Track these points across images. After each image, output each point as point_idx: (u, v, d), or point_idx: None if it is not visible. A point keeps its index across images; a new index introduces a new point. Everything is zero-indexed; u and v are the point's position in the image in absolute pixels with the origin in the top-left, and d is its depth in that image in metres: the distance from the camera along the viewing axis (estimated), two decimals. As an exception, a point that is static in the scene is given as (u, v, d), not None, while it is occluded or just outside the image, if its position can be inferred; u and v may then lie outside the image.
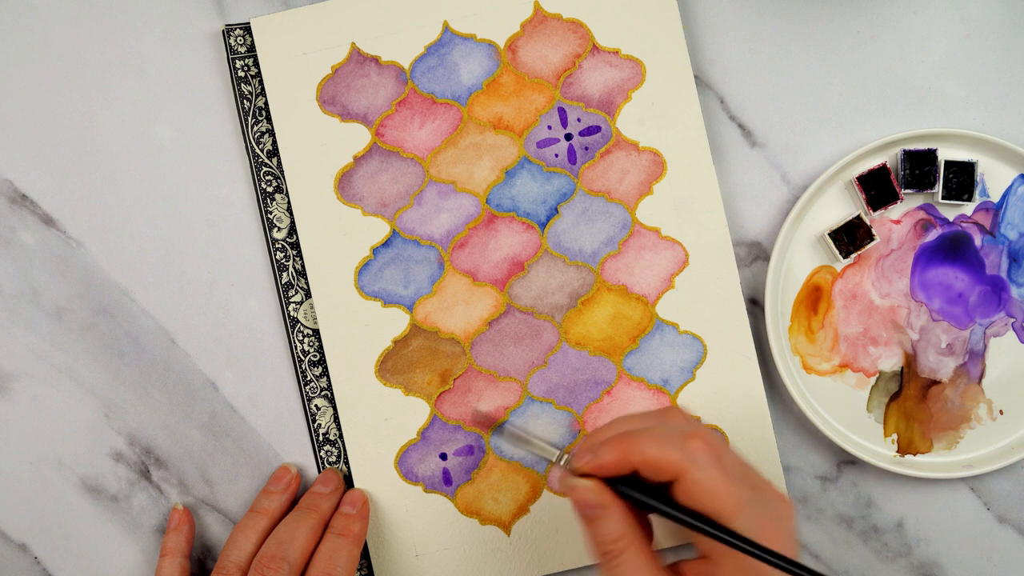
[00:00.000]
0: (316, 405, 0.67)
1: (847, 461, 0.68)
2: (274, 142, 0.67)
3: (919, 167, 0.66)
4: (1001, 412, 0.67)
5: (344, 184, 0.67)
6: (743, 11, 0.68)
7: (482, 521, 0.67)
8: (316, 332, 0.67)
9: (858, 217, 0.66)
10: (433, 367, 0.67)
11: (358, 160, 0.67)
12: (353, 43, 0.67)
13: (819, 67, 0.68)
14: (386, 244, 0.67)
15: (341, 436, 0.67)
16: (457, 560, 0.67)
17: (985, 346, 0.67)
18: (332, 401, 0.67)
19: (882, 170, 0.66)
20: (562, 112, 0.67)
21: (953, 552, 0.68)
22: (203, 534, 0.68)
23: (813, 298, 0.67)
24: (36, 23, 0.68)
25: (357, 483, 0.67)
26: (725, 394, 0.67)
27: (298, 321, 0.67)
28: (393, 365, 0.67)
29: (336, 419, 0.67)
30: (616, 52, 0.67)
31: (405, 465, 0.67)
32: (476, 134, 0.67)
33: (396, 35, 0.67)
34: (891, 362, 0.67)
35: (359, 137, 0.67)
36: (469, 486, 0.67)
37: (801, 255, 0.67)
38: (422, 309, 0.67)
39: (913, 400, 0.67)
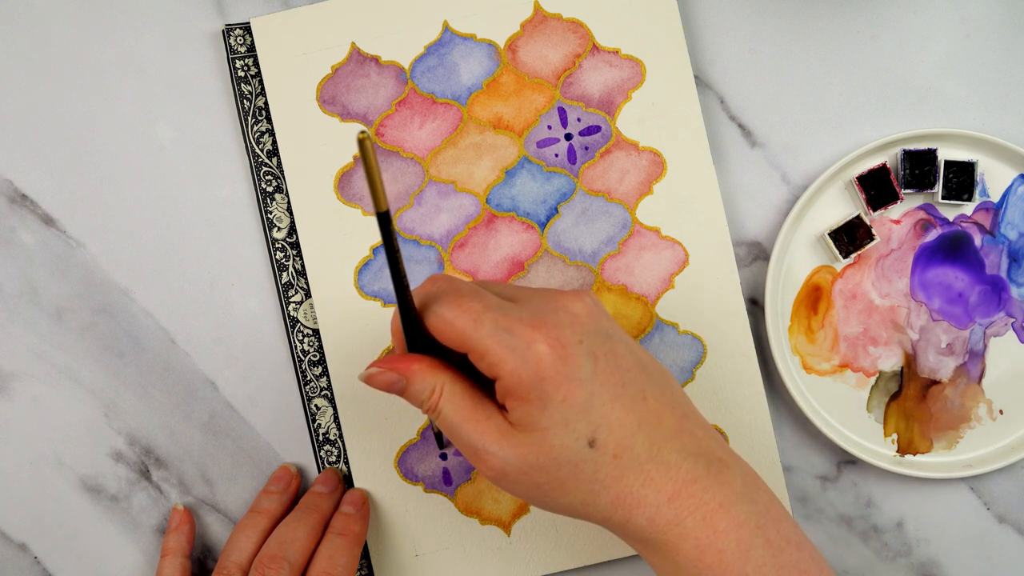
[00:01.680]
0: (316, 405, 0.67)
1: (847, 461, 0.68)
2: (274, 142, 0.67)
3: (919, 167, 0.66)
4: (1001, 412, 0.67)
5: (344, 184, 0.67)
6: (743, 11, 0.68)
7: (482, 521, 0.67)
8: (316, 332, 0.67)
9: (858, 217, 0.66)
10: (433, 367, 0.67)
11: (358, 160, 0.67)
12: (353, 43, 0.67)
13: (819, 67, 0.68)
14: (386, 244, 0.67)
15: (341, 436, 0.67)
16: (457, 560, 0.67)
17: (985, 346, 0.67)
18: (332, 401, 0.67)
19: (882, 170, 0.66)
20: (562, 112, 0.67)
21: (953, 552, 0.68)
22: (203, 534, 0.68)
23: (813, 298, 0.67)
24: (36, 23, 0.68)
25: (357, 483, 0.67)
26: (725, 394, 0.67)
27: (298, 321, 0.67)
28: (393, 365, 0.67)
29: (336, 419, 0.67)
30: (616, 52, 0.67)
31: (405, 465, 0.67)
32: (476, 134, 0.67)
33: (396, 35, 0.67)
34: (891, 362, 0.67)
35: (359, 137, 0.67)
36: (469, 486, 0.67)
37: (801, 255, 0.67)
38: (422, 309, 0.67)
39: (913, 400, 0.67)
